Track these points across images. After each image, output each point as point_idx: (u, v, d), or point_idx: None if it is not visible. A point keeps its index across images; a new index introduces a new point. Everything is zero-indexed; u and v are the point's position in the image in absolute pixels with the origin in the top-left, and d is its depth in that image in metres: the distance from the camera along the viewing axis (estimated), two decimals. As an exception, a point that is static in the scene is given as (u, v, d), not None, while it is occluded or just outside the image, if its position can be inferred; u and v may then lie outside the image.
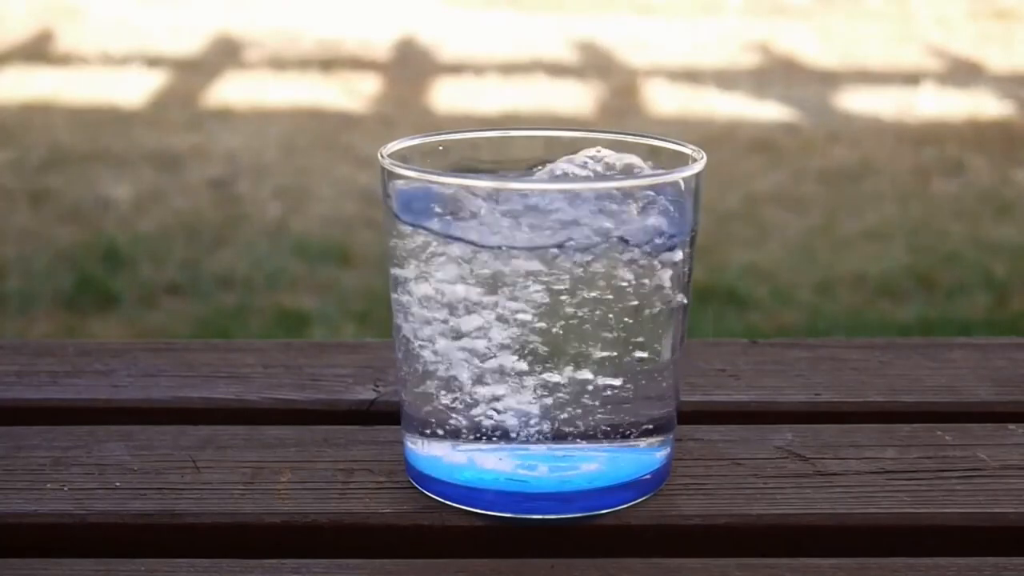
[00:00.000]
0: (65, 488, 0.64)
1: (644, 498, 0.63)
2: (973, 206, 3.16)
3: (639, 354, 0.61)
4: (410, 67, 4.62)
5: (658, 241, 0.60)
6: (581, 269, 0.59)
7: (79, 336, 2.34)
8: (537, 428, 0.61)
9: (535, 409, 0.60)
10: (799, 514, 0.63)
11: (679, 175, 0.62)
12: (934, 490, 0.65)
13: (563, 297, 0.59)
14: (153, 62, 4.54)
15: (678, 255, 0.62)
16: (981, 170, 3.46)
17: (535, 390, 0.60)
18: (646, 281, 0.60)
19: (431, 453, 0.63)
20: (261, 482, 0.65)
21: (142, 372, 0.77)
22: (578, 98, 4.22)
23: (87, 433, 0.70)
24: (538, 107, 4.06)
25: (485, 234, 0.59)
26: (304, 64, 4.59)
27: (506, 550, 0.61)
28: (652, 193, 0.61)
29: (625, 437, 0.62)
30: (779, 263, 2.77)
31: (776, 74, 4.57)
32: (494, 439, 0.61)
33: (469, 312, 0.60)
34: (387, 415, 0.72)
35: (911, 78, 4.48)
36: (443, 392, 0.61)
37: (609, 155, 0.64)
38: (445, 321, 0.60)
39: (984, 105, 4.16)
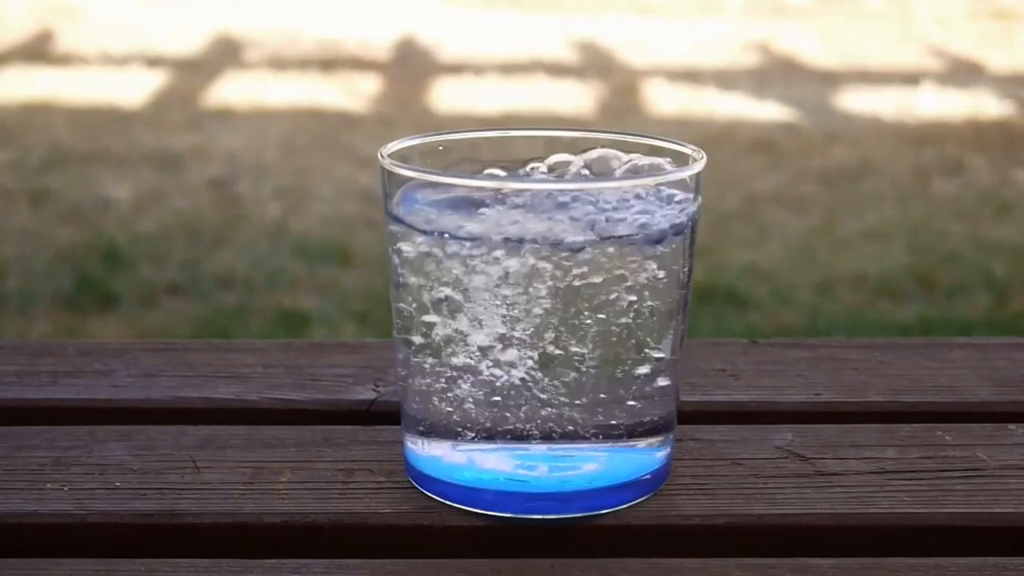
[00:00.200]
0: (65, 488, 0.64)
1: (644, 498, 0.63)
2: (973, 206, 3.16)
3: (639, 354, 0.61)
4: (410, 67, 4.62)
5: (658, 241, 0.60)
6: (581, 269, 0.59)
7: (79, 336, 2.34)
8: (537, 428, 0.61)
9: (535, 409, 0.60)
10: (799, 514, 0.63)
11: (679, 175, 0.62)
12: (934, 490, 0.65)
13: (563, 296, 0.59)
14: (153, 62, 4.54)
15: (678, 255, 0.62)
16: (981, 170, 3.46)
17: (535, 389, 0.60)
18: (646, 281, 0.60)
19: (431, 453, 0.63)
20: (261, 482, 0.65)
21: (142, 372, 0.77)
22: (578, 98, 4.22)
23: (87, 433, 0.70)
24: (538, 107, 4.06)
25: (485, 234, 0.59)
26: (304, 64, 4.59)
27: (506, 550, 0.61)
28: (652, 193, 0.61)
29: (625, 437, 0.62)
30: (779, 263, 2.77)
31: (776, 74, 4.57)
32: (494, 439, 0.61)
33: (469, 311, 0.60)
34: (387, 415, 0.72)
35: (911, 78, 4.48)
36: (443, 392, 0.61)
37: (638, 158, 0.65)
38: (445, 321, 0.60)
39: (984, 105, 4.16)
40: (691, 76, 4.47)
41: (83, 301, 2.51)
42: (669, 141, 0.65)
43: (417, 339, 0.62)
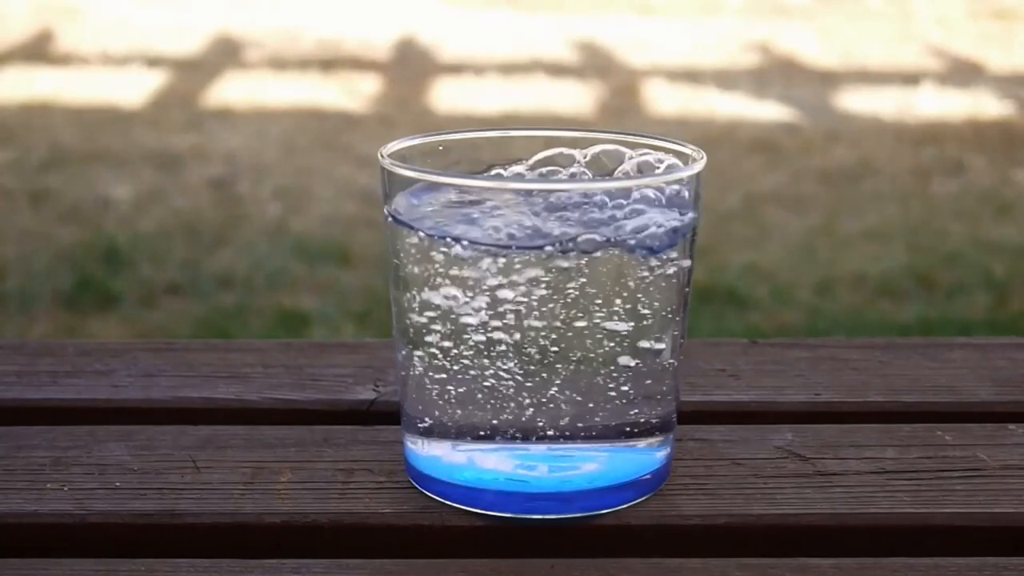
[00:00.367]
0: (65, 488, 0.64)
1: (644, 498, 0.63)
2: (973, 206, 3.16)
3: (639, 354, 0.61)
4: (410, 67, 4.62)
5: (658, 241, 0.60)
6: (581, 269, 0.59)
7: (79, 336, 2.34)
8: (537, 428, 0.61)
9: (535, 409, 0.60)
10: (799, 514, 0.63)
11: (679, 175, 0.62)
12: (934, 490, 0.65)
13: (563, 297, 0.59)
14: (153, 62, 4.54)
15: (678, 255, 0.62)
16: (981, 170, 3.46)
17: (535, 390, 0.60)
18: (646, 281, 0.60)
19: (431, 453, 0.63)
20: (261, 482, 0.65)
21: (142, 372, 0.77)
22: (578, 98, 4.22)
23: (87, 433, 0.70)
24: (538, 107, 4.06)
25: (485, 234, 0.59)
26: (304, 64, 4.59)
27: (506, 550, 0.61)
28: (652, 193, 0.61)
29: (625, 437, 0.62)
30: (779, 263, 2.77)
31: (776, 74, 4.57)
32: (494, 439, 0.61)
33: (469, 312, 0.60)
34: (387, 415, 0.72)
35: (911, 78, 4.48)
36: (443, 392, 0.61)
37: (652, 156, 0.65)
38: (445, 321, 0.60)
39: (984, 105, 4.16)
40: (691, 76, 4.47)
41: (83, 301, 2.51)
42: (669, 141, 0.65)
43: (417, 339, 0.62)
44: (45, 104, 4.01)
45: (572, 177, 0.66)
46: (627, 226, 0.60)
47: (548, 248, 0.59)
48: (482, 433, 0.61)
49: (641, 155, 0.65)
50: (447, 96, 4.24)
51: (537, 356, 0.60)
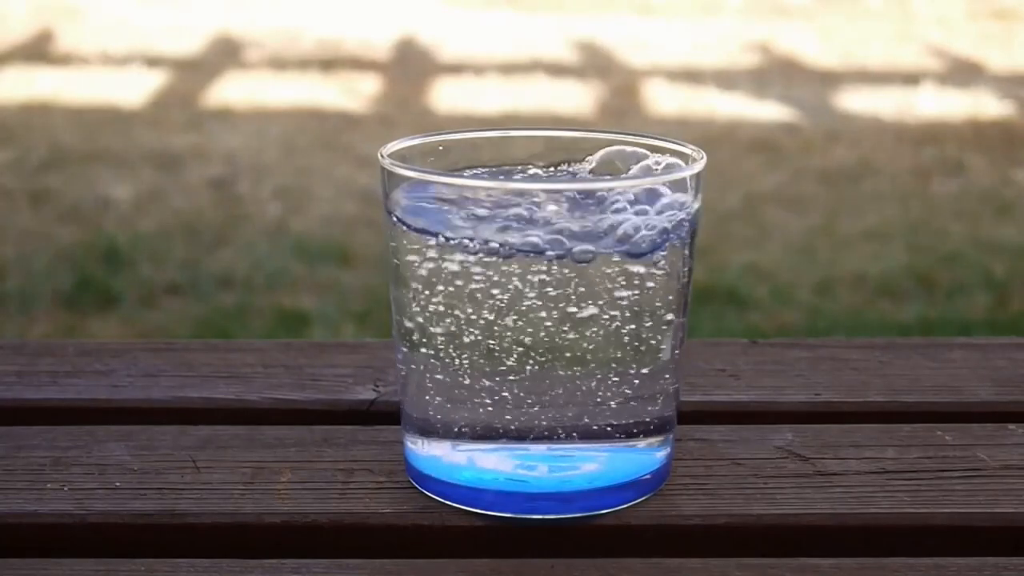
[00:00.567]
0: (65, 488, 0.64)
1: (644, 498, 0.63)
2: (973, 206, 3.16)
3: (639, 354, 0.61)
4: (410, 67, 4.62)
5: (658, 241, 0.60)
6: (581, 268, 0.59)
7: (79, 336, 2.34)
8: (537, 428, 0.61)
9: (535, 409, 0.60)
10: (799, 514, 0.63)
11: (679, 175, 0.62)
12: (934, 490, 0.65)
13: (563, 296, 0.59)
14: (153, 62, 4.55)
15: (678, 255, 0.61)
16: (981, 170, 3.46)
17: (535, 390, 0.60)
18: (646, 281, 0.60)
19: (431, 453, 0.63)
20: (261, 482, 0.65)
21: (142, 372, 0.77)
22: (578, 98, 4.22)
23: (87, 433, 0.70)
24: (538, 107, 4.06)
25: (484, 234, 0.59)
26: (304, 64, 4.59)
27: (506, 550, 0.61)
28: (652, 193, 0.61)
29: (625, 437, 0.62)
30: (779, 263, 2.77)
31: (776, 74, 4.57)
32: (494, 439, 0.61)
33: (469, 312, 0.60)
34: (387, 415, 0.72)
35: (911, 78, 4.48)
36: (443, 392, 0.61)
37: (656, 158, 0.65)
38: (445, 321, 0.60)
39: (984, 105, 4.16)
40: (691, 76, 4.47)
41: (83, 301, 2.51)
42: (669, 141, 0.65)
43: (417, 339, 0.62)
44: (45, 104, 4.01)
45: (571, 177, 0.66)
46: (627, 226, 0.60)
47: (548, 248, 0.59)
48: (482, 433, 0.61)
49: (657, 161, 0.65)
50: (447, 96, 4.24)
51: (537, 355, 0.60)
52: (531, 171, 0.66)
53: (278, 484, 0.65)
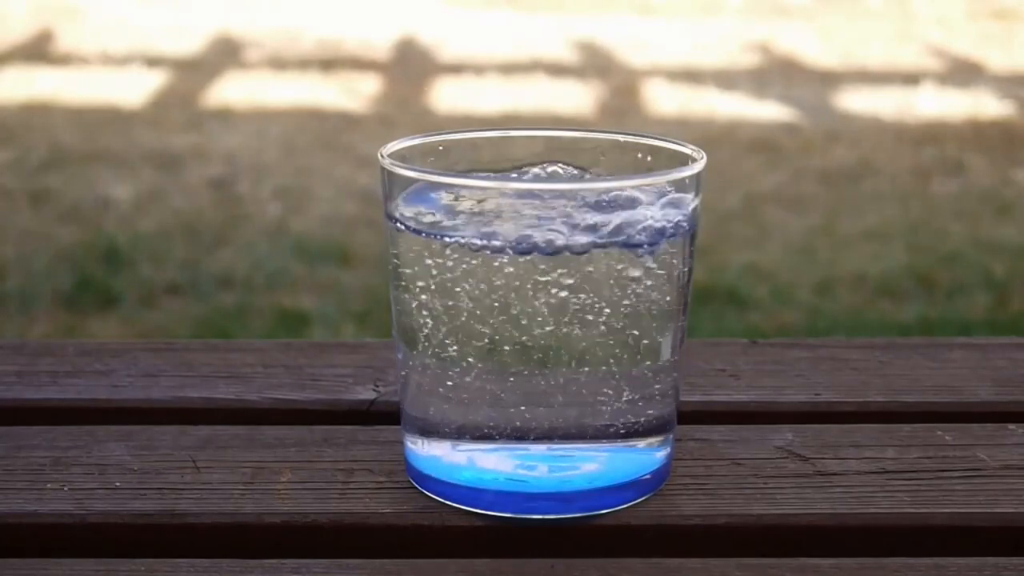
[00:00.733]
0: (65, 488, 0.64)
1: (644, 498, 0.63)
2: (973, 206, 3.16)
3: (639, 354, 0.61)
4: (410, 67, 4.62)
5: (658, 241, 0.60)
6: (581, 269, 0.59)
7: (79, 336, 2.34)
8: (537, 428, 0.61)
9: (535, 409, 0.60)
10: (799, 514, 0.63)
11: (679, 175, 0.62)
12: (934, 490, 0.65)
13: (563, 296, 0.59)
14: (153, 62, 4.55)
15: (677, 255, 0.62)
16: (981, 170, 3.46)
17: (535, 390, 0.60)
18: (646, 281, 0.60)
19: (431, 453, 0.63)
20: (261, 482, 0.65)
21: (142, 372, 0.77)
22: (578, 98, 4.22)
23: (87, 433, 0.70)
24: (538, 107, 4.06)
25: (484, 234, 0.59)
26: (304, 64, 4.59)
27: (506, 550, 0.61)
28: (652, 193, 0.61)
29: (625, 437, 0.62)
30: (779, 263, 2.77)
31: (776, 74, 4.57)
32: (494, 439, 0.61)
33: (469, 311, 0.60)
34: (387, 415, 0.72)
35: (911, 78, 4.48)
36: (443, 392, 0.61)
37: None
38: (445, 320, 0.60)
39: (984, 105, 4.16)
40: (691, 76, 4.47)
41: (83, 301, 2.51)
42: (669, 141, 0.65)
43: (417, 339, 0.62)
44: (45, 104, 4.01)
45: (571, 177, 0.66)
46: (627, 226, 0.60)
47: (548, 248, 0.59)
48: (482, 433, 0.61)
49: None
50: (447, 96, 4.24)
51: (537, 356, 0.60)
52: (531, 171, 0.66)
53: (278, 484, 0.65)
